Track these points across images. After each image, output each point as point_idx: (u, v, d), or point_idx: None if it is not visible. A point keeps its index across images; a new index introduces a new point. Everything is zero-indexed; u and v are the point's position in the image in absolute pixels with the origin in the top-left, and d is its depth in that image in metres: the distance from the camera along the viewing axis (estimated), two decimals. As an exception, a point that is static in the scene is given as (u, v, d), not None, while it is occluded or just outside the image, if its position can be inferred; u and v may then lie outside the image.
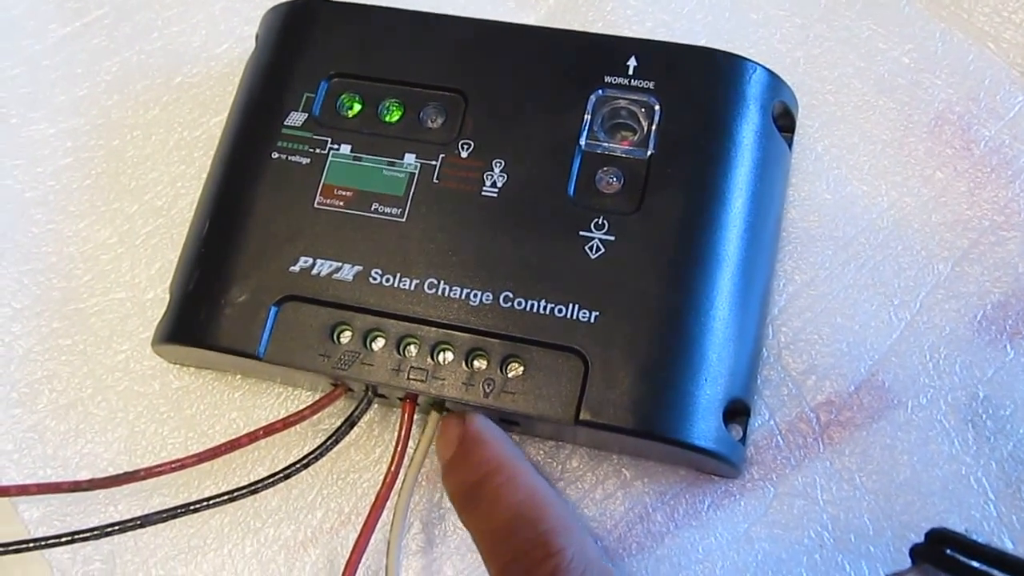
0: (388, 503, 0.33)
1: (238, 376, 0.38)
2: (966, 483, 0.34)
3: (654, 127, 0.34)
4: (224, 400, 0.38)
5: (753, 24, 0.41)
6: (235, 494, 0.34)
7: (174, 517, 0.34)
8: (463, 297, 0.33)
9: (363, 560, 0.33)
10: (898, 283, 0.36)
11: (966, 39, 0.39)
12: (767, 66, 0.36)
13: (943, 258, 0.36)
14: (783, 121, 0.36)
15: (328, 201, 0.35)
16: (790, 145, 0.37)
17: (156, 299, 0.39)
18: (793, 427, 0.35)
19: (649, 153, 0.34)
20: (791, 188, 0.38)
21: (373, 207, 0.35)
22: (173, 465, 0.34)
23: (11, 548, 0.33)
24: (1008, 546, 0.33)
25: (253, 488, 0.34)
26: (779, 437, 0.35)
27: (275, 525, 0.36)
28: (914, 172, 0.38)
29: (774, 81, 0.36)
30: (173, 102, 0.42)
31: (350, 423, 0.34)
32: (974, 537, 0.32)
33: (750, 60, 0.35)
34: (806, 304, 0.36)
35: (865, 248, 0.37)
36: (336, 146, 0.36)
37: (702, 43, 0.40)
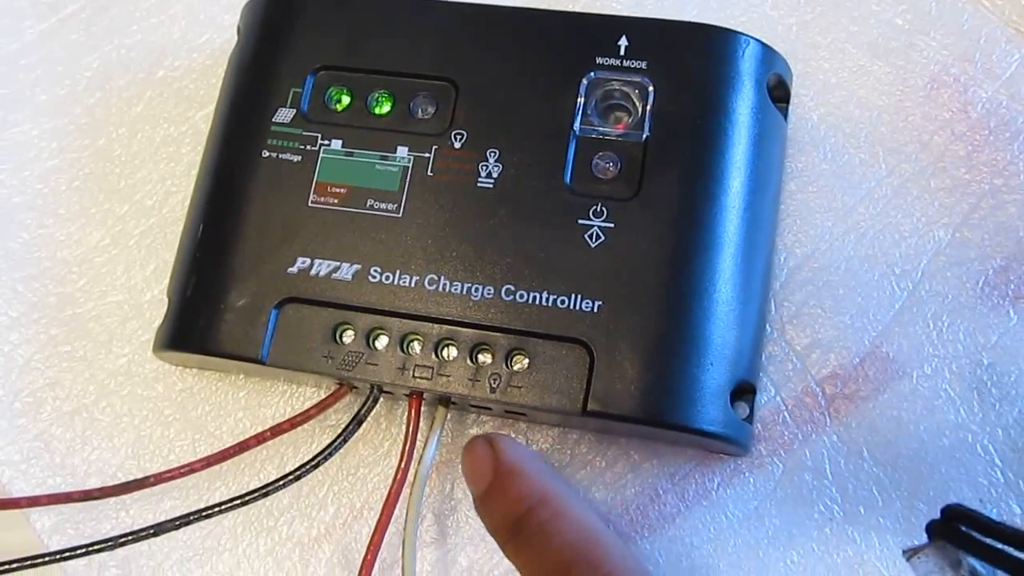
0: (400, 497, 0.34)
1: (241, 376, 0.38)
2: (973, 451, 0.34)
3: (648, 108, 0.34)
4: (229, 400, 0.37)
5: (744, -10, 0.40)
6: (247, 498, 0.34)
7: (187, 524, 0.34)
8: (464, 292, 0.33)
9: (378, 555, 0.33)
10: (899, 252, 0.36)
11: (960, -3, 0.38)
12: (759, 35, 0.35)
13: (943, 224, 0.36)
14: (778, 92, 0.36)
15: (322, 199, 0.34)
16: (785, 116, 0.36)
17: (154, 300, 0.39)
18: (799, 402, 0.35)
19: (645, 136, 0.34)
20: (788, 160, 0.37)
21: (368, 203, 0.34)
22: (183, 470, 0.34)
23: (27, 563, 0.34)
24: (1016, 511, 0.33)
25: (265, 491, 0.34)
26: (786, 413, 0.35)
27: (288, 523, 0.36)
28: (911, 137, 0.37)
29: (768, 54, 0.35)
30: (157, 97, 0.41)
31: (357, 422, 0.34)
32: (989, 511, 0.33)
33: (743, 34, 0.34)
34: (807, 277, 0.36)
35: (865, 218, 0.37)
36: (327, 142, 0.35)
37: (692, 12, 0.39)
